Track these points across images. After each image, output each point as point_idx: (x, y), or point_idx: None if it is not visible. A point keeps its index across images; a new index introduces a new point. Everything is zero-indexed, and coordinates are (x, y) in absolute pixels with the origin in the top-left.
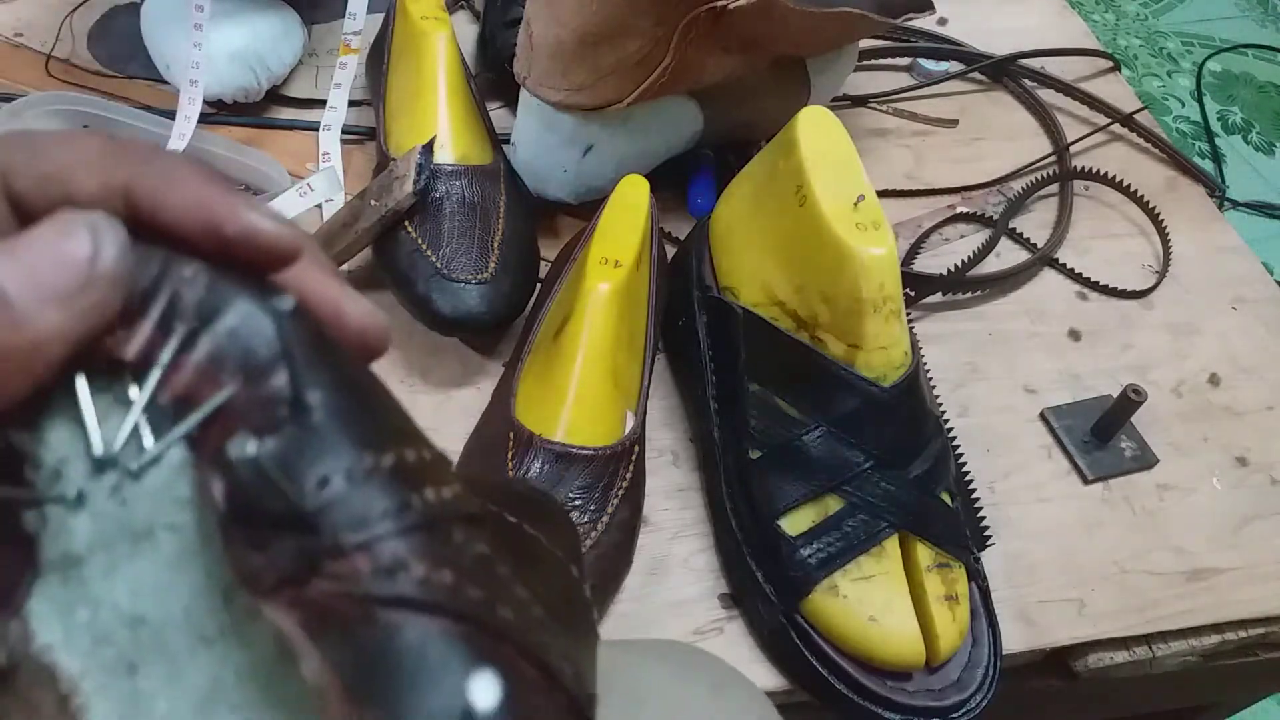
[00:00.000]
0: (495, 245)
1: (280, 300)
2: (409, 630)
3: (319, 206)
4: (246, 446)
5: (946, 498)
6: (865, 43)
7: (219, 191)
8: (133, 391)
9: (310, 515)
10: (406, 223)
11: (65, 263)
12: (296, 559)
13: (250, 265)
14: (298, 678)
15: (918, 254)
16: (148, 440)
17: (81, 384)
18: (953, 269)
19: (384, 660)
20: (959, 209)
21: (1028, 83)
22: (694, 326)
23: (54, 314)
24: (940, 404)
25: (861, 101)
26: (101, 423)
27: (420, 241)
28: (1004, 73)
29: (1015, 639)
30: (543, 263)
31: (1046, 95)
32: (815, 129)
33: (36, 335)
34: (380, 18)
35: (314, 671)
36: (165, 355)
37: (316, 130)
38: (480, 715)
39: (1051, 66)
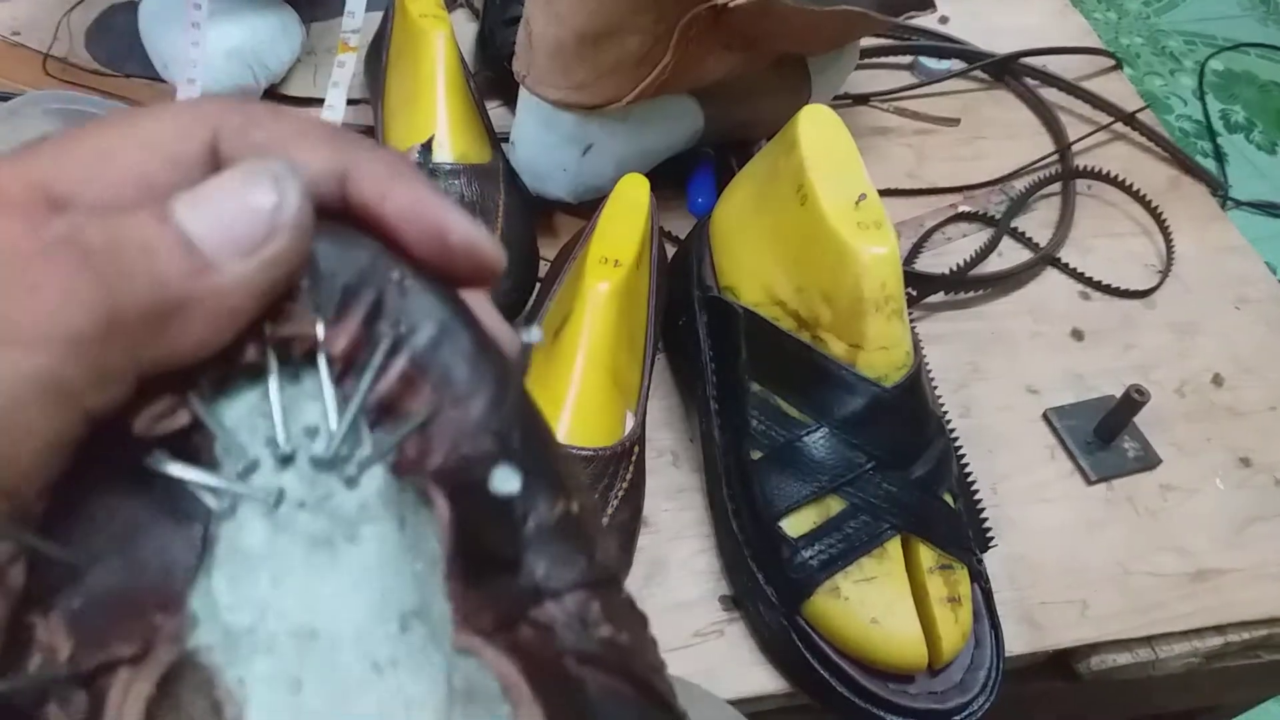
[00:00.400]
0: None
1: (473, 322)
2: (597, 690)
3: None
4: (493, 476)
5: (949, 499)
6: (866, 41)
7: (440, 196)
8: (326, 387)
9: (520, 556)
10: None
11: (250, 211)
12: (512, 601)
13: (457, 277)
14: None
15: (919, 253)
16: (337, 440)
17: (273, 370)
18: (955, 268)
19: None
20: (961, 208)
21: (1030, 81)
22: (694, 326)
23: (239, 263)
24: (942, 404)
25: (863, 100)
26: (285, 414)
27: None
28: (1006, 71)
29: (1018, 641)
30: (542, 262)
31: (1048, 94)
32: (816, 127)
33: (222, 283)
34: (379, 16)
35: None
36: (376, 357)
37: None
38: None
39: (1053, 65)
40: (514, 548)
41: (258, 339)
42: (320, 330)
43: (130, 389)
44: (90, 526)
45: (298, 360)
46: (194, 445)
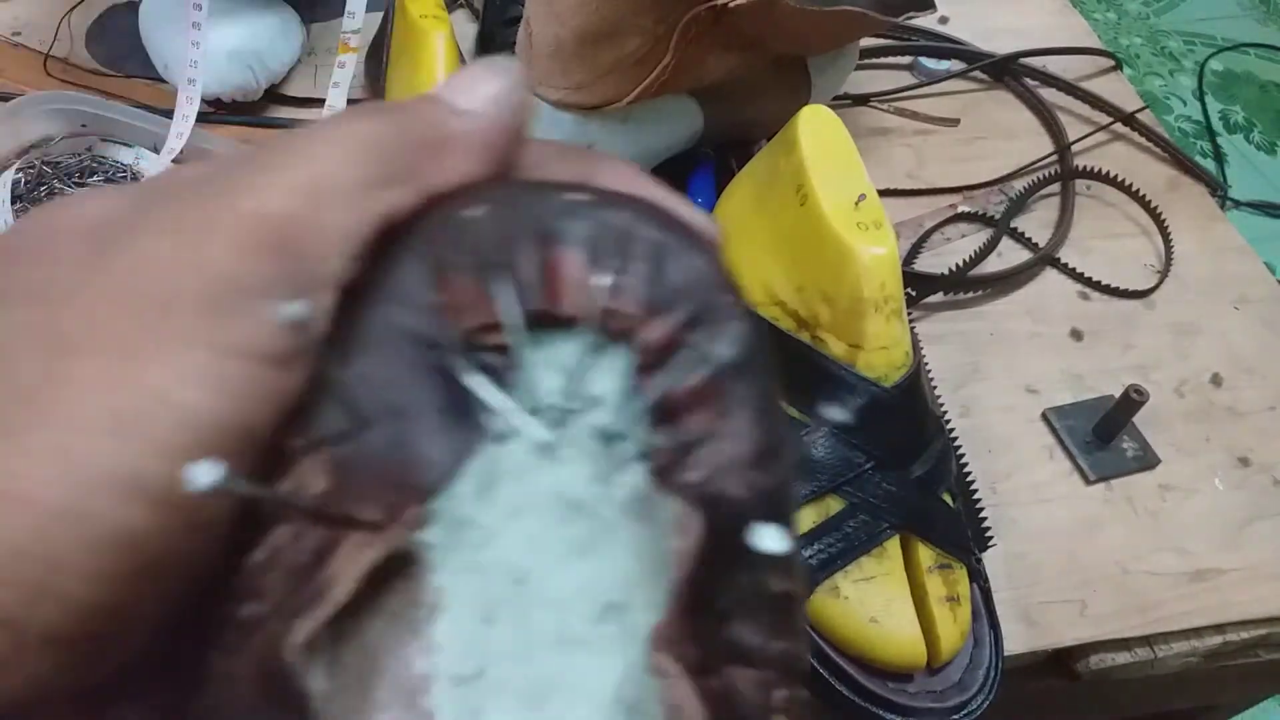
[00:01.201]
0: None
1: (770, 374)
2: None
3: None
4: (758, 530)
5: (948, 498)
6: (866, 41)
7: (677, 196)
8: (615, 365)
9: (734, 611)
10: None
11: (486, 78)
12: (716, 648)
13: None
14: None
15: (919, 253)
16: (606, 415)
17: (588, 328)
18: (954, 269)
19: None
20: (960, 208)
21: (1029, 82)
22: None
23: (481, 106)
24: (941, 404)
25: (862, 100)
26: (575, 374)
27: None
28: (1005, 72)
29: (1017, 640)
30: None
31: (1048, 94)
32: (816, 128)
33: (469, 123)
34: (379, 16)
35: None
36: (682, 362)
37: None
38: None
39: (1053, 65)
40: (737, 601)
41: (582, 300)
42: (642, 312)
43: (411, 197)
44: (374, 389)
45: (610, 334)
46: (493, 366)
